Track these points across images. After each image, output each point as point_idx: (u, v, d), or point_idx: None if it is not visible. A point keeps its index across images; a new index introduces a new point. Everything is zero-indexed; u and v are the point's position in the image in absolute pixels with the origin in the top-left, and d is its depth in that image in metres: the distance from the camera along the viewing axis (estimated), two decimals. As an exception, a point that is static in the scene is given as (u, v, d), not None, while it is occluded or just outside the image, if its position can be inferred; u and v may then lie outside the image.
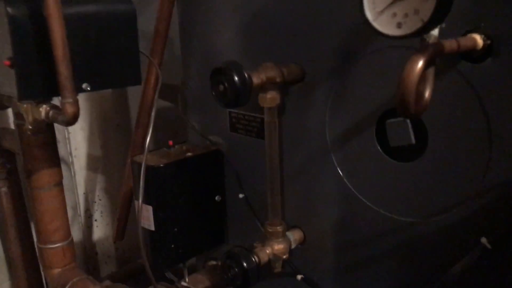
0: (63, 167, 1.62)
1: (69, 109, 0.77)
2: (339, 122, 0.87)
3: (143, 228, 1.02)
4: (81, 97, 0.86)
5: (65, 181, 1.61)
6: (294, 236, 0.98)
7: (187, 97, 1.19)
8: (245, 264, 0.87)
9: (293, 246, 0.97)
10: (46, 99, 0.85)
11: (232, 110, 1.05)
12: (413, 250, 0.83)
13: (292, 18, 0.89)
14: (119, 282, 1.52)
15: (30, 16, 0.77)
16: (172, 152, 1.05)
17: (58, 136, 1.56)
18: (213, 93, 0.82)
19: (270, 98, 0.86)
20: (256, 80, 0.82)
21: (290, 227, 1.00)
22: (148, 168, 0.98)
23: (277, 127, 0.89)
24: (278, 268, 0.96)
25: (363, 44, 0.81)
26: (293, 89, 0.92)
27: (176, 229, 1.02)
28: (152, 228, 1.01)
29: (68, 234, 1.24)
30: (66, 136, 1.63)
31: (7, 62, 0.77)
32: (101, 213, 1.77)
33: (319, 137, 0.91)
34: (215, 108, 1.12)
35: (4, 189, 1.16)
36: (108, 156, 1.75)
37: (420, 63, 0.59)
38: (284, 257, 0.93)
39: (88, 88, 0.86)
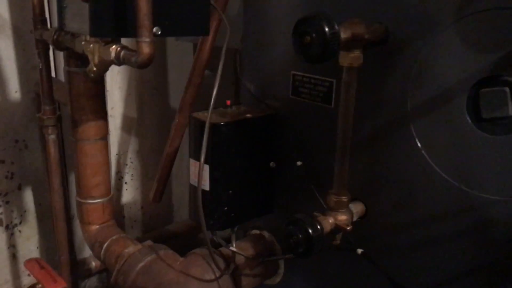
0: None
1: (145, 49, 0.72)
2: (424, 90, 0.82)
3: (196, 187, 0.97)
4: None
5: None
6: (356, 208, 0.93)
7: (243, 60, 1.13)
8: (310, 231, 0.83)
9: (354, 219, 0.92)
10: (116, 39, 0.80)
11: (296, 72, 1.00)
12: (491, 230, 0.78)
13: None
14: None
15: None
16: (230, 112, 1.00)
17: (97, 92, 1.53)
18: (297, 46, 0.76)
19: (353, 56, 0.80)
20: (343, 34, 0.77)
21: (352, 199, 0.94)
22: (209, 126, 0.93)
23: (353, 88, 0.84)
24: (337, 240, 0.91)
25: (458, 5, 0.75)
26: (373, 51, 0.86)
27: (230, 191, 0.97)
28: (207, 188, 0.96)
29: (108, 190, 1.20)
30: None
31: (83, -5, 0.72)
32: (132, 176, 1.73)
33: (398, 106, 0.85)
34: (274, 71, 1.06)
35: (52, 136, 1.11)
36: (143, 119, 1.70)
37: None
38: (348, 228, 0.88)
39: (159, 32, 0.81)
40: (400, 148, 0.86)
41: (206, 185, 0.96)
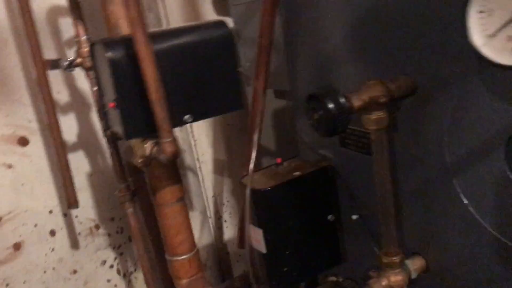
0: (190, 174, 1.71)
1: (168, 149, 0.78)
2: (460, 142, 0.75)
3: (256, 250, 1.01)
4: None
5: (194, 188, 1.71)
6: (415, 264, 0.88)
7: (295, 109, 1.14)
8: (356, 299, 0.81)
9: (413, 276, 0.88)
10: (151, 136, 0.88)
11: (341, 124, 0.98)
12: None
13: (405, 23, 0.78)
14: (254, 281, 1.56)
15: (127, 58, 0.79)
16: (280, 171, 1.02)
17: (184, 145, 1.65)
18: (310, 122, 0.76)
19: (376, 119, 0.77)
20: (356, 102, 0.74)
21: (410, 253, 0.90)
22: (255, 192, 0.96)
23: (385, 148, 0.80)
24: (397, 299, 0.88)
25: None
26: (406, 103, 0.81)
27: (288, 252, 0.99)
28: (264, 250, 0.99)
29: (192, 246, 1.30)
30: (193, 144, 1.70)
31: (112, 104, 0.81)
32: (230, 214, 1.82)
33: (437, 158, 0.79)
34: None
35: (130, 210, 1.24)
36: (233, 160, 1.79)
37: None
38: (402, 290, 0.84)
39: (190, 120, 0.87)
40: (447, 202, 0.80)
41: (262, 248, 0.99)
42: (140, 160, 0.89)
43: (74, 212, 1.52)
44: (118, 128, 0.84)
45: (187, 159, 1.66)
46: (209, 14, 1.59)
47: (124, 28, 0.95)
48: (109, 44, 0.79)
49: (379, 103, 0.76)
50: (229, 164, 1.79)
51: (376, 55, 0.85)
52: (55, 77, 1.38)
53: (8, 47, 1.25)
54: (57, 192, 1.43)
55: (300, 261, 1.01)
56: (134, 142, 0.89)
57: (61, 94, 1.39)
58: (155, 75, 0.74)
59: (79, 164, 1.48)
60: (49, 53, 1.20)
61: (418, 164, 0.83)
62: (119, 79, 0.79)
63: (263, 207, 0.96)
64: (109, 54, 0.78)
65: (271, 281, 0.99)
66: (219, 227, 1.82)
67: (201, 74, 0.87)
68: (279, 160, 1.04)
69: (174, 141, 0.79)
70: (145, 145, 0.84)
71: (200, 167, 1.74)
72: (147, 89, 0.75)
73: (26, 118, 1.34)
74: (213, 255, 1.79)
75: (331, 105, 0.71)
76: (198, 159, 1.73)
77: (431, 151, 0.79)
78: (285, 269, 1.00)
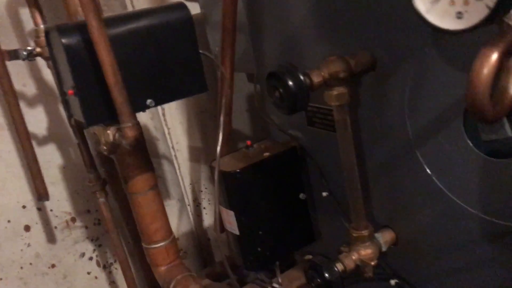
0: (166, 162, 1.70)
1: (129, 133, 0.77)
2: (421, 114, 0.76)
3: (230, 232, 1.01)
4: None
5: (169, 176, 1.70)
6: (385, 237, 0.89)
7: (263, 90, 1.13)
8: (327, 275, 0.82)
9: (384, 249, 0.89)
10: (114, 122, 0.87)
11: (307, 103, 0.98)
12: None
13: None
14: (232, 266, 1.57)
15: (84, 44, 0.78)
16: (251, 153, 1.02)
17: (157, 134, 1.64)
18: (272, 100, 0.76)
19: (337, 95, 0.77)
20: (316, 78, 0.74)
21: (380, 227, 0.91)
22: (225, 174, 0.96)
23: (348, 125, 0.80)
24: (369, 273, 0.89)
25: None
26: (365, 79, 0.81)
27: (260, 232, 1.00)
28: (237, 232, 0.99)
29: (169, 233, 1.29)
30: (167, 132, 1.69)
31: (71, 92, 0.79)
32: (209, 200, 1.82)
33: (399, 132, 0.80)
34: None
35: (102, 199, 1.23)
36: (209, 146, 1.78)
37: (495, 55, 0.47)
38: (372, 263, 0.85)
39: (153, 104, 0.86)
40: (413, 174, 0.81)
41: (235, 230, 0.99)
42: (104, 148, 0.88)
43: (48, 206, 1.50)
44: (79, 115, 0.83)
45: (162, 147, 1.65)
46: (176, -1, 1.57)
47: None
48: (63, 30, 0.77)
49: (340, 79, 0.76)
50: (205, 151, 1.78)
51: (338, 32, 0.84)
52: (20, 69, 1.35)
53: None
54: (30, 187, 1.41)
55: (273, 241, 1.02)
56: (97, 129, 0.88)
57: (27, 86, 1.37)
58: (110, 59, 0.73)
59: (51, 157, 1.46)
60: (13, 45, 1.17)
61: (382, 138, 0.83)
62: (76, 65, 0.78)
63: (233, 189, 0.96)
64: (64, 40, 0.76)
65: (245, 261, 1.00)
66: (198, 214, 1.82)
67: (161, 58, 0.86)
68: (249, 142, 1.04)
69: (137, 125, 0.78)
70: (108, 131, 0.83)
71: (175, 155, 1.73)
72: (104, 74, 0.74)
73: (-8, 113, 1.32)
74: (193, 242, 1.79)
75: (290, 83, 0.70)
76: (173, 147, 1.72)
77: (394, 125, 0.80)
78: (258, 249, 1.00)
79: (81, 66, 0.78)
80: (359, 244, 0.87)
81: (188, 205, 1.79)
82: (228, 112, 1.15)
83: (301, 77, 0.71)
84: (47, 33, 0.81)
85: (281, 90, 0.72)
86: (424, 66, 0.72)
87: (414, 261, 0.88)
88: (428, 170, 0.78)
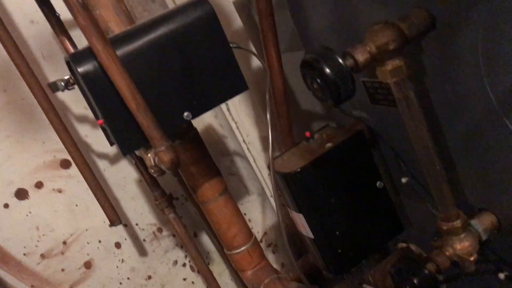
0: (238, 159, 1.64)
1: (164, 158, 0.70)
2: (503, 73, 0.59)
3: (305, 236, 0.91)
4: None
5: (245, 172, 1.63)
6: (483, 223, 0.74)
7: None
8: (415, 281, 0.69)
9: (484, 237, 0.74)
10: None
11: (365, 79, 0.84)
12: None
13: None
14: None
15: (101, 69, 0.71)
16: (311, 146, 0.91)
17: (224, 132, 1.58)
18: (312, 92, 0.64)
19: (392, 70, 0.63)
20: (361, 56, 0.61)
21: (476, 211, 0.76)
22: (286, 176, 0.87)
23: (413, 101, 0.66)
24: (470, 268, 0.74)
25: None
26: (425, 42, 0.66)
27: (337, 233, 0.88)
28: (311, 236, 0.90)
29: (249, 236, 1.23)
30: (234, 127, 1.62)
31: (100, 121, 0.74)
32: (292, 188, 1.73)
33: (479, 98, 0.64)
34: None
35: (172, 215, 1.19)
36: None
37: None
38: (472, 258, 0.71)
39: (190, 117, 0.78)
40: (504, 146, 0.65)
41: (309, 233, 0.90)
42: (152, 171, 0.82)
43: (133, 220, 1.51)
44: (115, 144, 0.78)
45: (231, 144, 1.58)
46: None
47: (117, 31, 0.88)
48: (78, 57, 0.70)
49: (391, 51, 0.62)
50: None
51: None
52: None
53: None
54: (111, 206, 1.43)
55: (354, 240, 0.90)
56: (140, 153, 0.82)
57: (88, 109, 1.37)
58: (126, 83, 0.65)
59: (126, 173, 1.46)
60: (55, 76, 1.16)
61: (459, 109, 0.68)
62: (98, 94, 0.71)
63: (297, 191, 0.87)
64: (80, 69, 0.70)
65: (327, 266, 0.90)
66: (282, 204, 1.73)
67: (190, 64, 0.77)
68: (307, 133, 0.92)
69: (170, 148, 0.70)
70: (148, 155, 0.77)
71: (248, 148, 1.65)
72: (124, 99, 0.67)
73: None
74: (282, 233, 1.72)
75: (328, 70, 0.58)
76: (244, 141, 1.64)
77: (471, 91, 0.64)
78: (339, 251, 0.89)
79: (104, 94, 0.71)
80: (453, 237, 0.72)
81: (271, 196, 1.72)
82: (282, 102, 1.05)
83: (340, 60, 0.58)
84: (67, 62, 0.75)
85: (318, 81, 0.60)
86: (498, 10, 0.55)
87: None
88: (523, 140, 0.61)
